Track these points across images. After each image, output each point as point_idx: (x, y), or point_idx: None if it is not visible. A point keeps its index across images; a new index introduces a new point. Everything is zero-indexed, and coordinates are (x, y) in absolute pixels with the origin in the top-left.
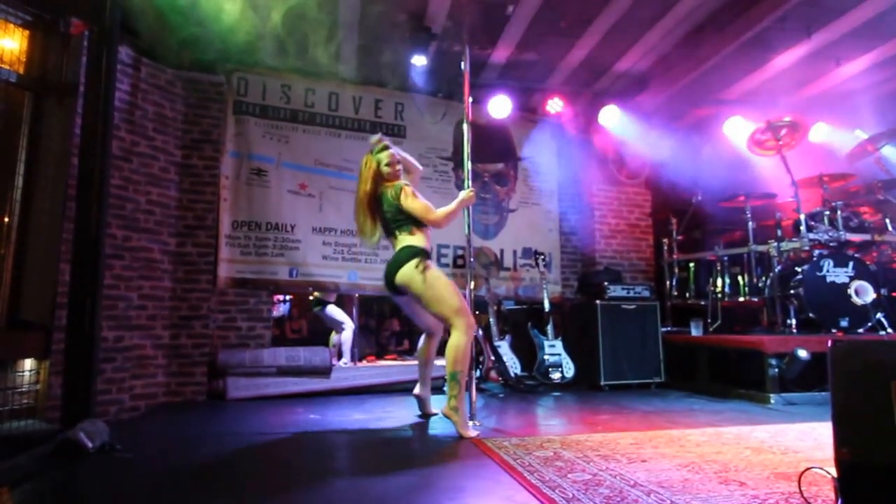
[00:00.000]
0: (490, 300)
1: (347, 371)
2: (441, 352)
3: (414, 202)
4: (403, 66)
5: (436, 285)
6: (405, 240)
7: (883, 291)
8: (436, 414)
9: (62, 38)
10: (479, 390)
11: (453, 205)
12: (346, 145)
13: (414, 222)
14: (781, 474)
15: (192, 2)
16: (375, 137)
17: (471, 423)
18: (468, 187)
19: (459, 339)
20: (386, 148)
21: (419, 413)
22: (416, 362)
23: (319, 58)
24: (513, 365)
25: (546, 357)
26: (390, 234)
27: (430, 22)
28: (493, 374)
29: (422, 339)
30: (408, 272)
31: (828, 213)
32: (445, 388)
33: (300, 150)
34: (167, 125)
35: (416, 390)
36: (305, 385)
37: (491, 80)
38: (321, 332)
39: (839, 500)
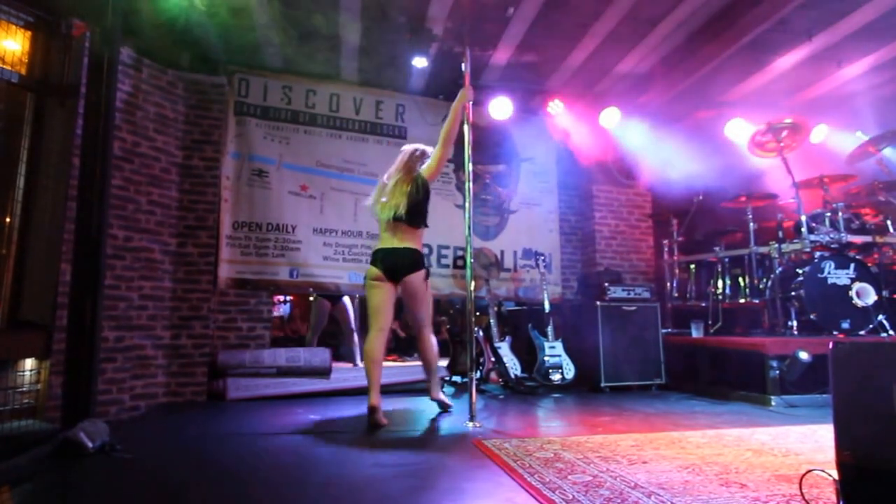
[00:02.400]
0: (490, 301)
1: (347, 372)
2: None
3: (430, 165)
4: (404, 67)
5: (430, 294)
6: (417, 240)
7: (884, 293)
8: (385, 424)
9: (64, 39)
10: (479, 391)
11: (450, 115)
12: (347, 146)
13: (426, 221)
14: (782, 476)
15: (193, 3)
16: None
17: (470, 424)
18: (469, 189)
19: (432, 338)
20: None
21: (372, 423)
22: (416, 363)
23: (320, 59)
24: (513, 366)
25: (546, 358)
26: (414, 221)
27: (431, 23)
28: (493, 375)
29: (376, 336)
30: (421, 277)
31: (829, 214)
32: (432, 379)
33: (301, 152)
34: (168, 126)
35: (375, 399)
36: (305, 386)
37: (492, 81)
38: (322, 333)
39: (840, 503)
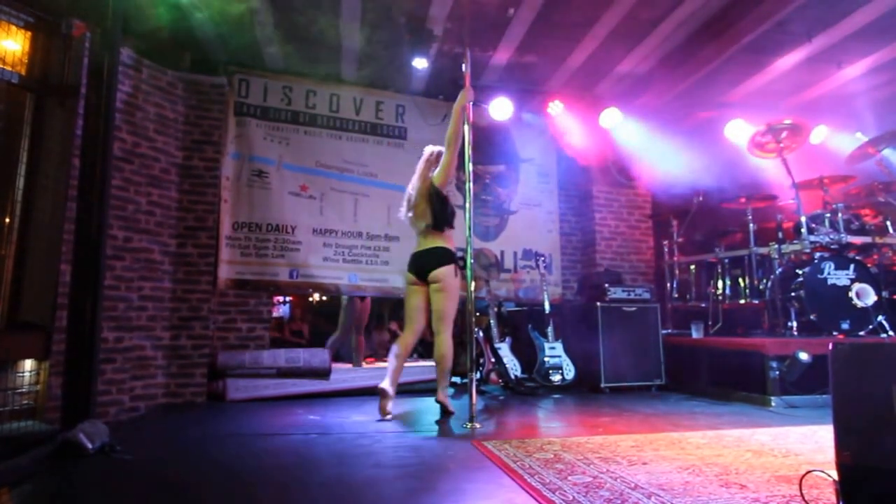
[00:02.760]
0: (490, 302)
1: (347, 373)
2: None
3: (440, 172)
4: (405, 68)
5: (457, 291)
6: (447, 240)
7: (884, 294)
8: (389, 415)
9: (64, 39)
10: (479, 392)
11: (452, 118)
12: (348, 147)
13: (451, 222)
14: (782, 477)
15: (193, 4)
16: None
17: (470, 424)
18: (469, 189)
19: (449, 340)
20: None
21: (382, 416)
22: (416, 364)
23: (321, 60)
24: (513, 367)
25: (546, 359)
26: (440, 227)
27: (431, 24)
28: (493, 376)
29: (407, 335)
30: (448, 271)
31: (829, 215)
32: (442, 381)
33: (301, 152)
34: (168, 126)
35: (386, 384)
36: (305, 386)
37: (492, 82)
38: (322, 333)
39: (840, 503)
